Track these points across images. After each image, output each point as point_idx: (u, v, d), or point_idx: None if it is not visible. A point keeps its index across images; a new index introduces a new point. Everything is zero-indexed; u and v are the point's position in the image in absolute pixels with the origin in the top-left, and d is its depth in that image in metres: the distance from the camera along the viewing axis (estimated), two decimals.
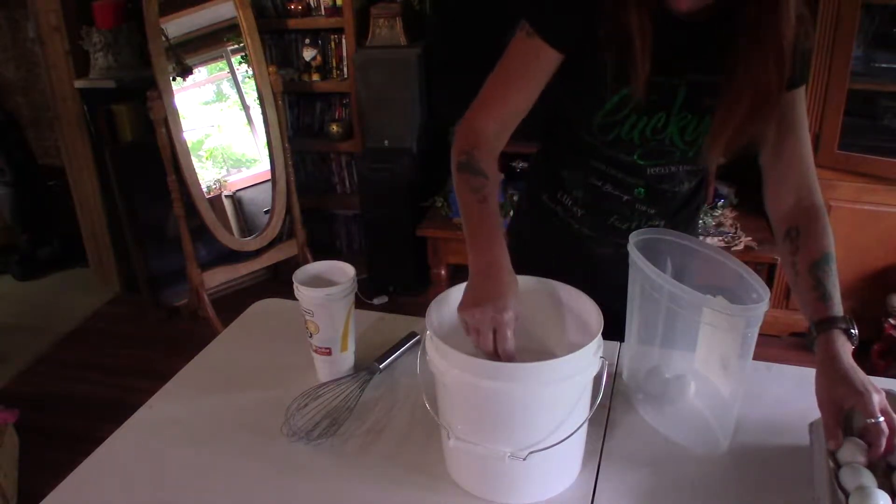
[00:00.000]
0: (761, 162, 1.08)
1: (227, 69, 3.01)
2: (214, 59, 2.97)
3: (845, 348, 0.89)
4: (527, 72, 1.05)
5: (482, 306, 0.87)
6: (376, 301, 3.09)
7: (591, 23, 0.97)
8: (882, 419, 0.83)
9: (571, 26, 1.00)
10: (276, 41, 3.17)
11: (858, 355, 0.88)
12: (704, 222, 2.71)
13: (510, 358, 0.87)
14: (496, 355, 0.88)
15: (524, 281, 1.02)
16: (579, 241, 1.22)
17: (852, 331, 0.90)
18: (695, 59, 1.00)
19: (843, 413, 0.87)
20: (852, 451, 0.84)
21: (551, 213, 1.23)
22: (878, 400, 0.84)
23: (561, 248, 1.25)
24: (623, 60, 0.96)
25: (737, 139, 1.00)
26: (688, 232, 1.15)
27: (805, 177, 1.05)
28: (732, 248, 2.56)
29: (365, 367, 1.11)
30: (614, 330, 1.02)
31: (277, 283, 3.29)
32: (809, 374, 0.92)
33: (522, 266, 0.97)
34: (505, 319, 0.86)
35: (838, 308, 0.93)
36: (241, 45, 2.92)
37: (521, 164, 3.00)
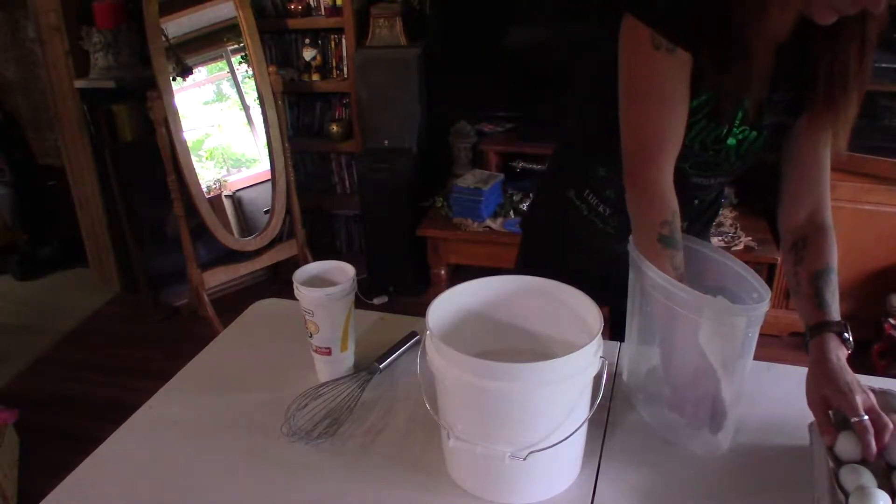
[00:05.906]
0: (784, 174, 1.08)
1: (227, 69, 3.01)
2: (214, 59, 2.96)
3: (837, 351, 0.91)
4: (676, 91, 0.94)
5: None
6: (376, 301, 3.09)
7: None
8: (866, 417, 0.84)
9: (694, 24, 0.92)
10: (276, 41, 3.17)
11: (858, 355, 0.88)
12: None
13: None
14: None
15: (525, 281, 1.02)
16: (599, 238, 1.22)
17: (846, 335, 0.92)
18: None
19: (830, 412, 0.88)
20: (850, 445, 0.84)
21: (574, 209, 1.22)
22: (861, 399, 0.85)
23: (577, 243, 1.24)
24: (732, 68, 0.91)
25: (846, 127, 1.00)
26: (702, 237, 1.16)
27: (820, 197, 1.06)
28: (732, 248, 2.56)
29: (365, 367, 1.12)
30: (620, 330, 1.02)
31: (277, 283, 3.29)
32: None
33: (536, 260, 0.95)
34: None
35: (834, 314, 0.95)
36: (241, 45, 2.92)
37: (521, 165, 3.00)
